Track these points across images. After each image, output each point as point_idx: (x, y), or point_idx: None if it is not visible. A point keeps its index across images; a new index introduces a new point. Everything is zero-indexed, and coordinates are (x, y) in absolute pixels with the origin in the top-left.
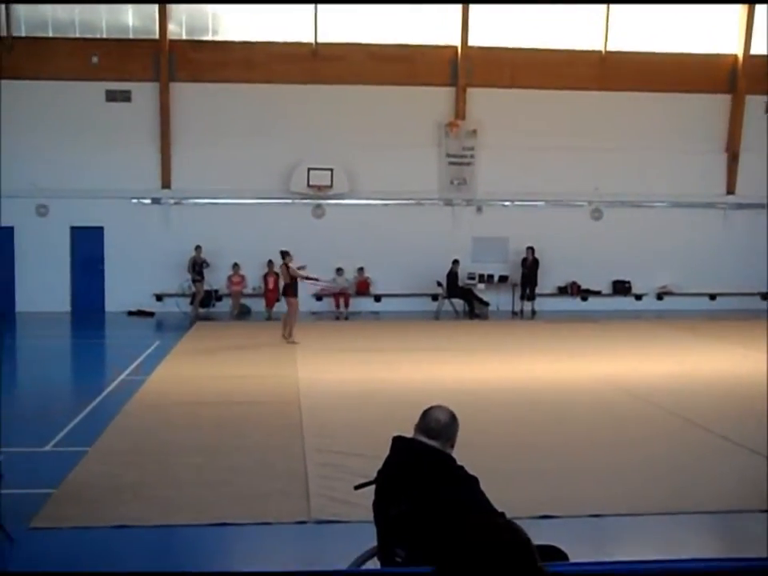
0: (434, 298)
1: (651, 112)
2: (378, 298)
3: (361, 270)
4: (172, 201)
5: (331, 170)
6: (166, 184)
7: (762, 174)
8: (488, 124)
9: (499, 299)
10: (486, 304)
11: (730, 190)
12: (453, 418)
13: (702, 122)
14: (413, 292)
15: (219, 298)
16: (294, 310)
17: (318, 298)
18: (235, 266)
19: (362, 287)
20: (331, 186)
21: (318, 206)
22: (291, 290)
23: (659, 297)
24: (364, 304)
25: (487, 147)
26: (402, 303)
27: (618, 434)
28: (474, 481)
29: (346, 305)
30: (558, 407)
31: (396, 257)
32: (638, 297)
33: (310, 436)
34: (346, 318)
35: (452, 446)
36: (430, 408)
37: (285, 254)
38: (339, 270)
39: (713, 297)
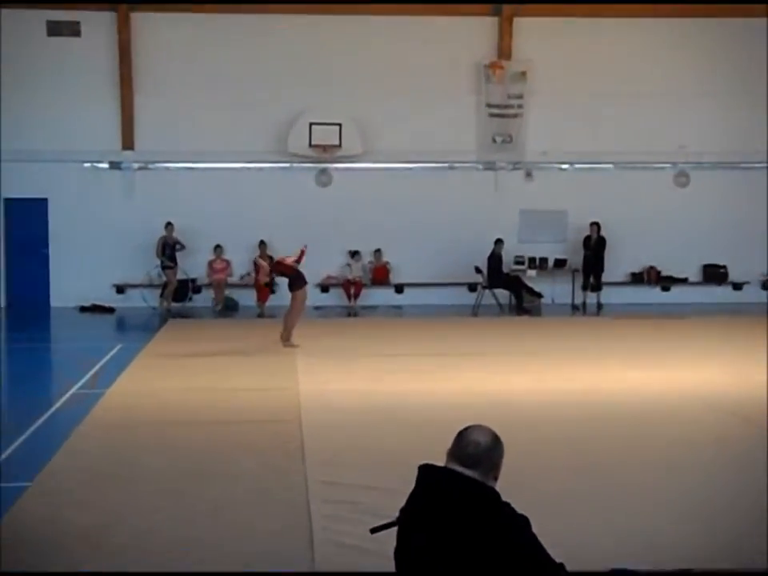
0: (472, 288)
1: (756, 43)
2: (399, 289)
3: (378, 253)
4: (136, 165)
5: (339, 125)
6: (127, 144)
7: None
8: (541, 65)
9: (555, 289)
10: (538, 296)
11: None
12: (496, 440)
13: None
14: (444, 281)
15: (198, 290)
16: (298, 305)
17: (324, 288)
18: (218, 248)
19: (380, 275)
20: (340, 146)
21: (323, 171)
22: (296, 280)
23: (765, 286)
24: (382, 296)
25: (539, 94)
26: (430, 295)
27: (712, 467)
28: (524, 522)
29: (357, 296)
30: (633, 430)
31: (423, 236)
32: (738, 286)
33: (314, 464)
34: (356, 315)
35: (495, 478)
36: (467, 428)
37: (260, 245)
38: (355, 254)
39: None
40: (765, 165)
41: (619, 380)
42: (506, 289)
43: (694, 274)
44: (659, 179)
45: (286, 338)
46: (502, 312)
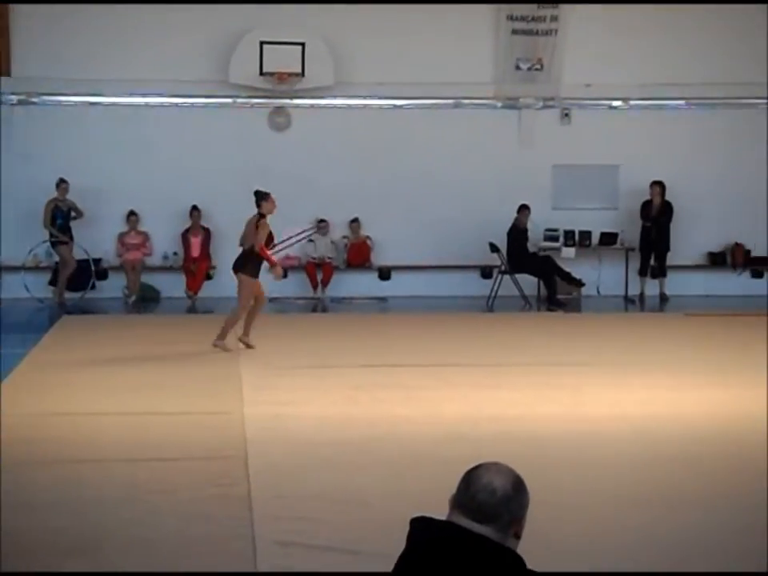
0: (486, 273)
1: None
2: (384, 274)
3: (355, 224)
4: (14, 98)
5: (302, 44)
6: (2, 69)
7: None
8: None
9: (601, 275)
10: (578, 284)
11: None
12: (518, 485)
13: None
14: (446, 263)
15: (103, 274)
16: (247, 302)
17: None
18: (131, 216)
19: (358, 255)
20: (302, 75)
21: (280, 109)
22: (251, 262)
23: None
24: (360, 284)
25: (581, 3)
26: (426, 283)
27: None
28: None
29: (326, 283)
30: (711, 466)
31: (417, 202)
32: None
33: (265, 518)
34: (324, 309)
35: (517, 536)
36: (478, 468)
37: (262, 199)
38: (320, 224)
39: None
40: None
41: (695, 403)
42: (533, 274)
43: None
44: (752, 121)
45: (243, 336)
46: (527, 306)
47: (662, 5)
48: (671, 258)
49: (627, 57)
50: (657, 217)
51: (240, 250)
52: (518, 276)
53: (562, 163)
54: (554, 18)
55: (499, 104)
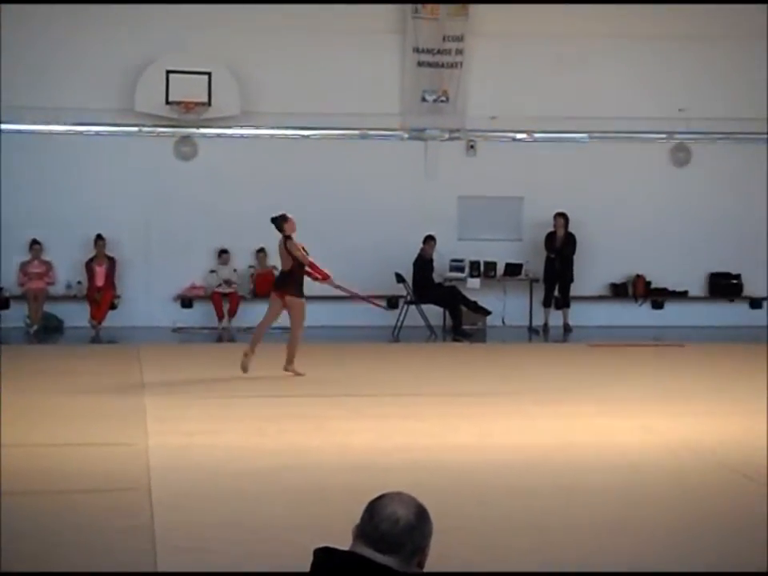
0: (392, 303)
1: None
2: None
3: (261, 254)
4: None
5: (209, 74)
6: None
7: None
8: None
9: (506, 306)
10: (485, 312)
11: None
12: (421, 515)
13: None
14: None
15: (5, 303)
16: (300, 318)
17: (186, 302)
18: (35, 245)
19: (264, 284)
20: (209, 104)
21: (186, 138)
22: (293, 282)
23: None
24: None
25: (487, 37)
26: (333, 312)
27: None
28: None
29: (233, 313)
30: (622, 505)
31: (323, 232)
32: (756, 302)
33: (168, 549)
34: (232, 339)
35: (420, 565)
36: (381, 498)
37: (283, 221)
38: (222, 254)
39: None
40: None
41: (597, 433)
42: (439, 304)
43: (697, 286)
44: (650, 155)
45: (287, 365)
46: (432, 336)
47: (565, 38)
48: (575, 289)
49: (531, 90)
50: (560, 248)
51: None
52: (423, 306)
53: (468, 194)
54: (460, 51)
55: (405, 135)
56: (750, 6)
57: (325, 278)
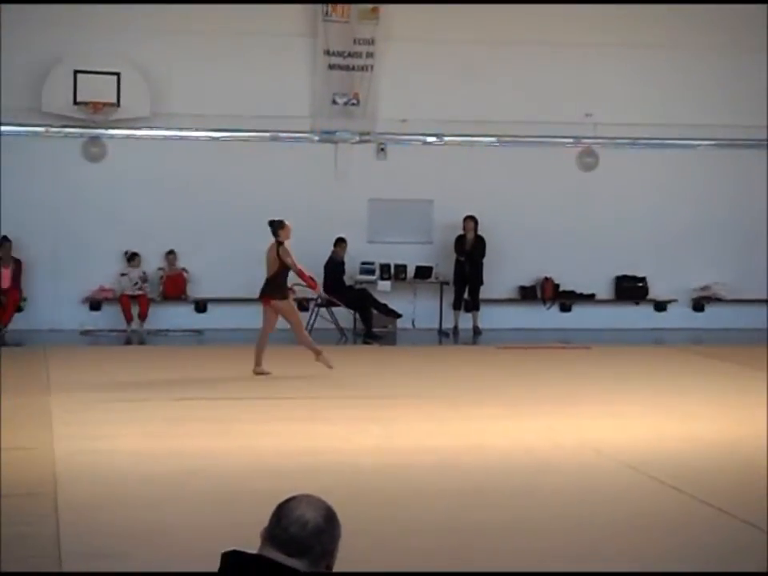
0: (302, 305)
1: None
2: (201, 306)
3: (171, 256)
4: None
5: (118, 74)
6: None
7: None
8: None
9: (416, 308)
10: (395, 316)
11: None
12: (330, 518)
13: None
14: None
15: None
16: (294, 316)
17: (94, 305)
18: None
19: (174, 287)
20: (117, 105)
21: (94, 139)
22: (276, 287)
23: (697, 306)
24: (177, 315)
25: (397, 40)
26: (244, 315)
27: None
28: None
29: (143, 316)
30: (523, 494)
31: (234, 234)
32: (661, 305)
33: (73, 554)
34: (142, 342)
35: (329, 568)
36: (290, 501)
37: (279, 227)
38: (132, 257)
39: None
40: (703, 142)
41: (505, 434)
42: (349, 307)
43: (604, 289)
44: (558, 159)
45: (321, 359)
46: (343, 338)
47: (475, 43)
48: (484, 292)
49: (441, 94)
50: (470, 251)
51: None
52: (334, 309)
53: (378, 197)
54: (370, 55)
55: (316, 138)
56: (657, 13)
57: (312, 286)
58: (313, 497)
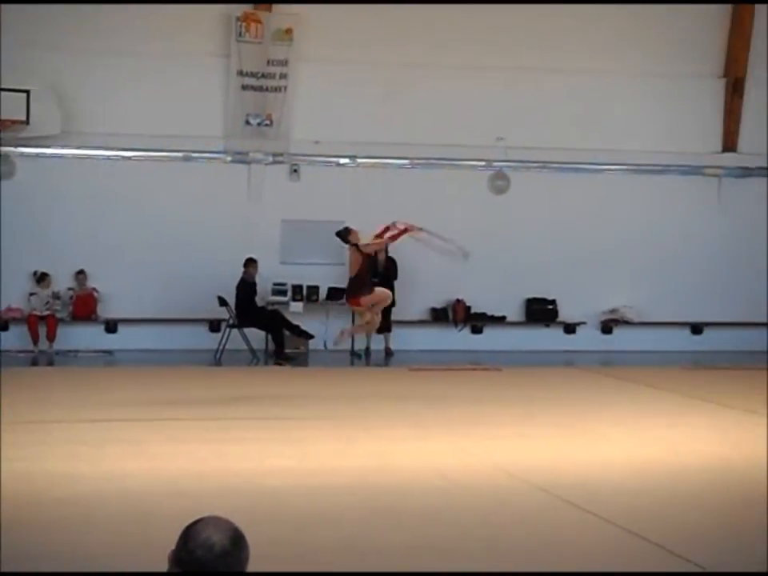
0: (214, 327)
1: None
2: (111, 327)
3: (81, 276)
4: None
5: (27, 92)
6: None
7: None
8: (313, 20)
9: (329, 329)
10: (307, 336)
11: (729, 146)
12: (236, 540)
13: (689, 30)
14: (175, 317)
15: None
16: (385, 299)
17: (1, 325)
18: None
19: (84, 307)
20: (27, 123)
21: (4, 157)
22: (361, 284)
23: (606, 328)
24: (87, 336)
25: (311, 61)
26: (155, 336)
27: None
28: None
29: (51, 337)
30: (432, 515)
31: (146, 254)
32: (570, 328)
33: None
34: (51, 363)
35: None
36: (197, 523)
37: (347, 233)
38: (42, 278)
39: (697, 329)
40: (615, 167)
41: (415, 455)
42: (262, 328)
43: (515, 312)
44: (470, 181)
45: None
46: (255, 360)
47: (389, 66)
48: (396, 314)
49: (354, 115)
50: (383, 273)
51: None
52: (246, 330)
53: (291, 218)
54: (284, 76)
55: (229, 158)
56: (570, 38)
57: (408, 229)
58: (221, 518)
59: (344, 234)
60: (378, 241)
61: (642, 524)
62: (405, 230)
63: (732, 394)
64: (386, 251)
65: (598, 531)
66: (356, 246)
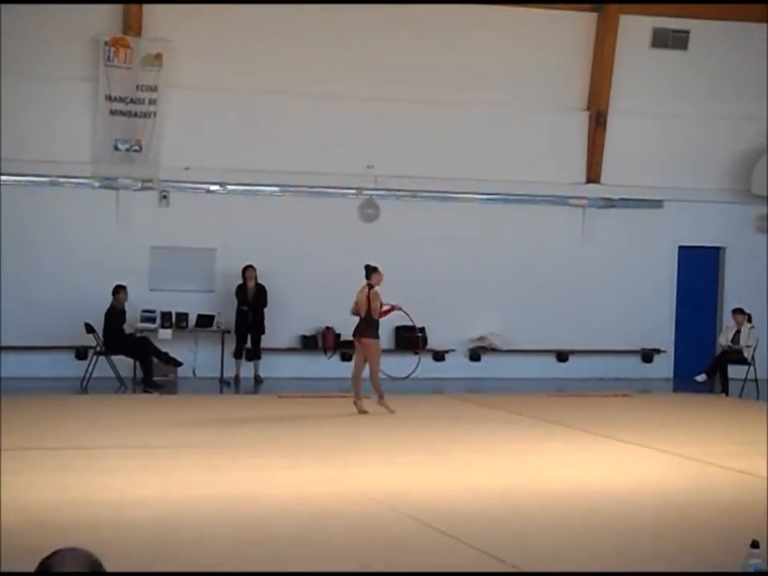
0: (81, 354)
1: (454, 38)
2: None
3: None
4: None
5: None
6: None
7: (642, 149)
8: (183, 47)
9: (197, 357)
10: (176, 364)
11: (593, 177)
12: (94, 573)
13: (554, 64)
14: (41, 344)
15: None
16: (376, 357)
17: None
18: None
19: None
20: None
21: None
22: (369, 327)
23: (474, 356)
24: None
25: (180, 87)
26: (19, 363)
27: None
28: None
29: None
30: (294, 539)
31: (11, 279)
32: (439, 355)
33: None
34: None
35: None
36: (52, 556)
37: (372, 271)
38: None
39: (562, 356)
40: (483, 196)
41: (282, 483)
42: (130, 356)
43: (384, 339)
44: (339, 209)
45: (380, 399)
46: (122, 388)
47: (258, 93)
48: (266, 341)
49: (224, 142)
50: (252, 301)
51: (354, 318)
52: (113, 357)
53: (160, 245)
54: (153, 101)
55: (97, 184)
56: (442, 70)
57: (391, 309)
58: (79, 550)
59: (370, 271)
60: (385, 307)
61: (503, 548)
62: (392, 309)
63: (594, 420)
64: (256, 278)
65: (462, 556)
66: (371, 287)
